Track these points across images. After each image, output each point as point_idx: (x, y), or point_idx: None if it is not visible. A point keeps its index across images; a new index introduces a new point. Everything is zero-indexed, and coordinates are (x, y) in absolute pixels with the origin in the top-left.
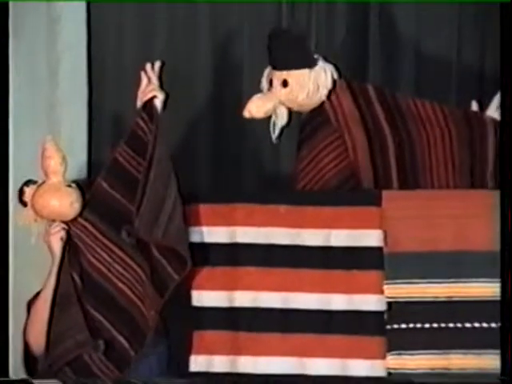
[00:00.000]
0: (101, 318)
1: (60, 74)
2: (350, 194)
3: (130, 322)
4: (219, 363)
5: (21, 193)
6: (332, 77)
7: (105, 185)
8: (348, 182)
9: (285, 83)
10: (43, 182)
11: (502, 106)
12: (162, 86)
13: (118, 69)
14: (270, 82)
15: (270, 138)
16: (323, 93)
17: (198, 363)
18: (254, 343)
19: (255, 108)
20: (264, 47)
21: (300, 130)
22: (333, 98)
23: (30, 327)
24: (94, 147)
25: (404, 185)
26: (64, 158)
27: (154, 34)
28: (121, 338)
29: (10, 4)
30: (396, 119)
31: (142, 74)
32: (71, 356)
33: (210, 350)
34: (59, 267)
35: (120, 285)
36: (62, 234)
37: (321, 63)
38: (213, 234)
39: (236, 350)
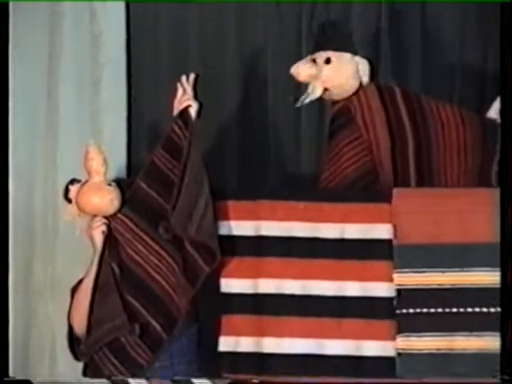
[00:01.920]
0: (137, 305)
1: (102, 83)
2: (364, 191)
3: (163, 308)
4: (245, 344)
5: (66, 191)
6: (367, 72)
7: (143, 184)
8: (365, 178)
9: (328, 60)
10: (86, 181)
11: (502, 106)
12: (195, 97)
13: (155, 79)
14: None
15: (292, 141)
16: (356, 83)
17: (226, 344)
18: (277, 326)
19: (302, 67)
20: (286, 60)
21: (328, 127)
22: (362, 97)
23: (74, 312)
24: (133, 150)
25: (420, 182)
26: (105, 160)
27: (188, 48)
28: (154, 323)
29: (55, 21)
30: (418, 121)
31: (178, 85)
32: (109, 338)
33: (237, 332)
34: (100, 258)
35: (155, 275)
36: (104, 228)
37: (360, 57)
38: (240, 227)
39: (260, 332)
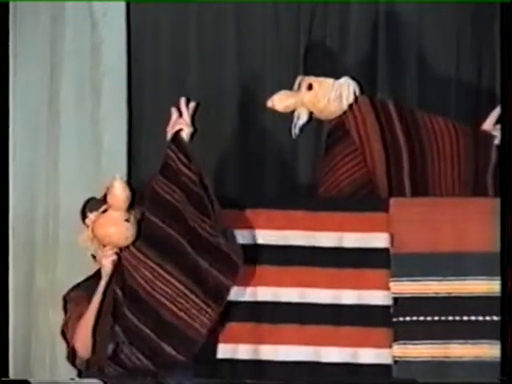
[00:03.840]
0: (146, 330)
1: (103, 92)
2: (361, 200)
3: (174, 332)
4: (243, 351)
5: (84, 215)
6: (354, 92)
7: (148, 214)
8: (362, 190)
9: (310, 87)
10: (105, 210)
11: (502, 113)
12: (193, 123)
13: (155, 88)
14: (299, 87)
15: (290, 151)
16: (344, 104)
17: (224, 351)
18: (275, 333)
19: (278, 100)
20: (285, 68)
21: (325, 141)
22: (357, 112)
23: (78, 335)
24: (133, 158)
25: (415, 193)
26: (128, 197)
27: (187, 57)
28: (166, 346)
29: (56, 30)
30: (412, 133)
31: (173, 109)
32: (108, 343)
33: (236, 340)
34: (106, 285)
35: (163, 300)
36: (114, 257)
37: (346, 78)
38: (237, 235)
39: (258, 340)
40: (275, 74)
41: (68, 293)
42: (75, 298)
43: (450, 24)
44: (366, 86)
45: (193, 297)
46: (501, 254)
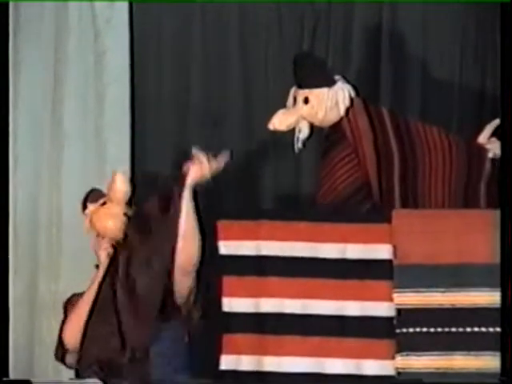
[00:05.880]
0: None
1: (106, 102)
2: (364, 212)
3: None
4: (246, 362)
5: (84, 206)
6: (350, 95)
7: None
8: (358, 193)
9: (306, 100)
10: (105, 203)
11: (502, 122)
12: None
13: (158, 97)
14: (295, 100)
15: (292, 163)
16: (341, 109)
17: (227, 362)
18: (278, 345)
19: (278, 121)
20: (287, 75)
21: (322, 145)
22: (351, 116)
23: (68, 325)
24: (137, 167)
25: (404, 201)
26: (128, 192)
27: (191, 67)
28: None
29: (60, 39)
30: (404, 142)
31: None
32: (102, 357)
33: (239, 351)
34: (103, 278)
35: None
36: (110, 250)
37: (340, 83)
38: (241, 247)
39: (261, 351)
40: (278, 79)
41: (68, 299)
42: (74, 301)
43: (454, 29)
44: (368, 91)
45: None
46: (501, 266)
